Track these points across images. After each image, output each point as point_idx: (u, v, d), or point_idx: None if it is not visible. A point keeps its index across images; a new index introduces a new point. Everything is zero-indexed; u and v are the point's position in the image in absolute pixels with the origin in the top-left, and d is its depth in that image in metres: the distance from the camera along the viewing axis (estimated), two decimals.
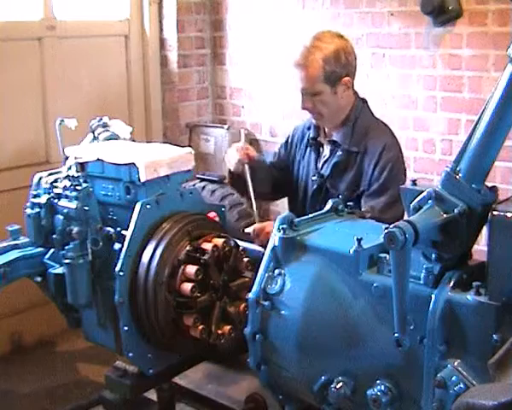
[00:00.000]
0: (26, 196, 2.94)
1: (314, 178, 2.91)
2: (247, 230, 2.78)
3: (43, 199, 2.82)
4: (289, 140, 3.09)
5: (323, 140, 2.94)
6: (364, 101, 2.94)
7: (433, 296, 1.78)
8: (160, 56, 4.54)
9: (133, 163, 2.55)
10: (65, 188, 2.71)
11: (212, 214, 2.80)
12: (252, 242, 2.72)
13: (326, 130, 2.95)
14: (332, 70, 2.75)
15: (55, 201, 2.75)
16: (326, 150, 2.92)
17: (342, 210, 2.33)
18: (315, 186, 2.91)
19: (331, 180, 2.86)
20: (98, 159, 2.66)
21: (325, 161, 2.91)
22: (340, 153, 2.84)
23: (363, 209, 2.65)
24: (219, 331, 2.52)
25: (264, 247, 2.50)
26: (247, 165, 2.92)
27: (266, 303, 2.10)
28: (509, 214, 1.68)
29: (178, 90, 4.55)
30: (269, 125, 4.43)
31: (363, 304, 1.93)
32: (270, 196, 3.27)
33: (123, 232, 2.58)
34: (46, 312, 3.39)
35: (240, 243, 2.64)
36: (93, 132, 3.04)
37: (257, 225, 2.76)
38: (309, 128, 3.00)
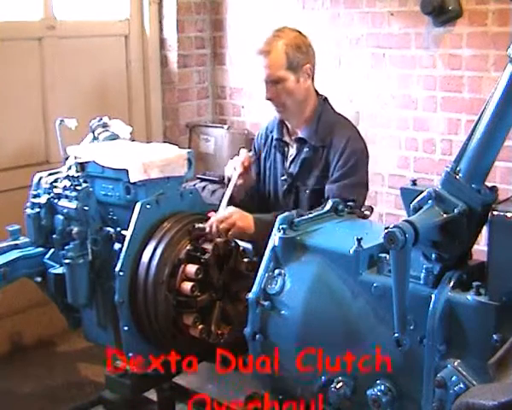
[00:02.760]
0: (26, 196, 2.94)
1: (283, 177, 2.92)
2: (200, 225, 2.59)
3: (43, 199, 2.82)
4: (255, 147, 3.10)
5: (289, 139, 2.95)
6: (325, 98, 2.96)
7: (433, 296, 1.78)
8: (160, 56, 4.54)
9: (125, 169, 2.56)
10: (65, 188, 2.72)
11: (212, 214, 2.80)
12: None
13: (290, 129, 2.95)
14: (294, 56, 2.80)
15: (55, 201, 2.76)
16: (292, 149, 2.93)
17: (342, 210, 2.33)
18: (285, 187, 2.91)
19: (300, 177, 2.88)
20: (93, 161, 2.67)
21: (292, 160, 2.91)
22: (306, 149, 2.86)
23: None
24: (219, 331, 2.52)
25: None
26: (239, 178, 2.82)
27: (266, 303, 2.10)
28: (509, 214, 1.68)
29: (178, 90, 4.55)
30: None
31: (363, 304, 1.93)
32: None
33: (123, 232, 2.58)
34: (46, 312, 3.40)
35: (240, 242, 2.64)
36: (93, 132, 3.05)
37: (217, 217, 2.60)
38: (272, 131, 3.01)
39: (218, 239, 2.56)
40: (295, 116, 2.91)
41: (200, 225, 2.57)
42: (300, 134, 2.90)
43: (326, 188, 2.77)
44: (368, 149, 2.90)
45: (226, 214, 2.61)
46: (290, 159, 2.92)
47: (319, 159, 2.84)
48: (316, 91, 2.94)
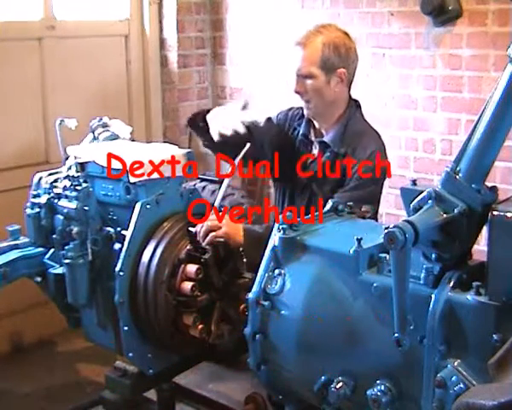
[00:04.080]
0: (26, 196, 2.94)
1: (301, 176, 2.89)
2: (192, 228, 2.55)
3: (43, 199, 2.82)
4: (287, 116, 3.02)
5: (314, 138, 2.92)
6: (358, 104, 2.92)
7: (433, 296, 1.78)
8: (160, 56, 4.54)
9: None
10: (65, 188, 2.72)
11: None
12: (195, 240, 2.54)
13: (317, 127, 2.92)
14: (329, 57, 2.76)
15: (55, 201, 2.76)
16: (315, 150, 2.90)
17: (342, 210, 2.33)
18: (302, 185, 2.88)
19: (317, 180, 2.84)
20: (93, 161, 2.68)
21: (312, 161, 2.88)
22: (328, 154, 2.82)
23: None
24: (219, 331, 2.52)
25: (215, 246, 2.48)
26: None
27: (266, 303, 2.10)
28: (509, 214, 1.68)
29: (178, 90, 4.55)
30: None
31: (363, 304, 1.93)
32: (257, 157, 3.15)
33: (123, 232, 2.58)
34: (46, 312, 3.40)
35: None
36: (93, 132, 3.05)
37: (210, 222, 2.54)
38: (299, 120, 2.97)
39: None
40: (322, 117, 2.87)
41: (193, 229, 2.56)
42: (325, 138, 2.86)
43: (336, 195, 2.67)
44: (389, 166, 2.84)
45: (215, 217, 2.55)
46: (312, 159, 2.89)
47: (339, 165, 2.79)
48: (349, 95, 2.89)
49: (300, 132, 2.95)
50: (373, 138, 2.85)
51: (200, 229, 2.53)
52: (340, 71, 2.79)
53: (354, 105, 2.90)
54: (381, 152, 2.82)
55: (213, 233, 2.50)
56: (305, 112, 2.91)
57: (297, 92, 2.83)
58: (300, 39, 2.80)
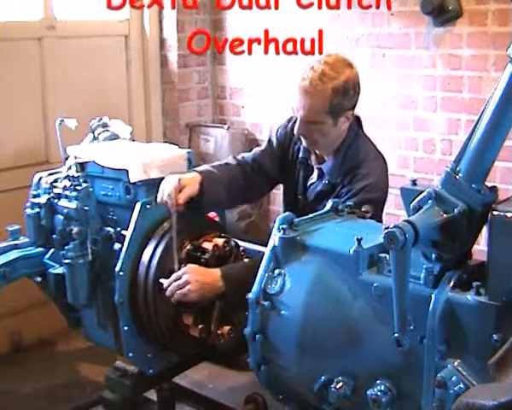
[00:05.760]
0: (26, 196, 2.94)
1: (300, 197, 2.82)
2: (162, 280, 2.48)
3: (43, 199, 2.82)
4: (275, 142, 2.89)
5: (314, 163, 2.80)
6: (359, 121, 2.78)
7: (433, 296, 1.78)
8: (160, 56, 4.54)
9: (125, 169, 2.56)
10: (65, 188, 2.72)
11: (212, 214, 2.80)
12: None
13: (317, 153, 2.80)
14: (338, 102, 2.58)
15: (55, 201, 2.76)
16: (314, 174, 2.80)
17: (342, 210, 2.33)
18: (300, 206, 2.81)
19: (313, 207, 2.73)
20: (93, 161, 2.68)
21: (311, 184, 2.80)
22: (325, 182, 2.73)
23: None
24: (219, 331, 2.52)
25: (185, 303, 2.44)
26: (175, 214, 2.50)
27: (266, 303, 2.10)
28: (509, 214, 1.68)
29: (178, 90, 4.55)
30: (269, 125, 4.42)
31: (363, 304, 1.93)
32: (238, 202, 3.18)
33: (123, 232, 2.59)
34: (46, 312, 3.40)
35: (240, 243, 2.64)
36: (93, 132, 3.05)
37: (177, 276, 2.47)
38: (296, 142, 2.83)
39: (219, 239, 2.57)
40: (324, 150, 2.75)
41: (163, 281, 2.48)
42: (323, 166, 2.75)
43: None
44: (387, 194, 2.72)
45: (179, 281, 2.44)
46: (310, 181, 2.80)
47: (333, 192, 2.69)
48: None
49: (300, 154, 2.83)
50: (370, 169, 2.69)
51: (167, 287, 2.46)
52: (349, 113, 2.65)
53: (355, 124, 2.76)
54: (376, 183, 2.66)
55: (182, 292, 2.43)
56: (306, 146, 2.76)
57: (300, 134, 2.68)
58: (308, 86, 2.56)
